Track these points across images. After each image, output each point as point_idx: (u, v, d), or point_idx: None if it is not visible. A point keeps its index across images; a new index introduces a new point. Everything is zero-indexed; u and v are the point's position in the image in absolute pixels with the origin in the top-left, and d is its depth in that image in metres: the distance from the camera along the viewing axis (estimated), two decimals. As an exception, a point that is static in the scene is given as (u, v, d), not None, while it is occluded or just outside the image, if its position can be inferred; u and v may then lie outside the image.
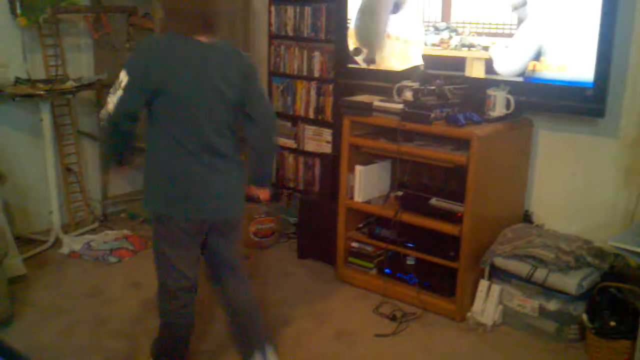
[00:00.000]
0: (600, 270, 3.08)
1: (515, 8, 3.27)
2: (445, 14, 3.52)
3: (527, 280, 3.10)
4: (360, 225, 3.73)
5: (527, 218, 3.56)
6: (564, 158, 3.44)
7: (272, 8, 4.44)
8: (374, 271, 3.65)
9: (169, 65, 2.32)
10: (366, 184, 3.61)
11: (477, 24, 3.42)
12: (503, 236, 3.26)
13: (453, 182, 3.57)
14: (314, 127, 4.39)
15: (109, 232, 4.23)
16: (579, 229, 3.36)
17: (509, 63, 3.35)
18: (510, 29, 3.31)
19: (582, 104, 3.15)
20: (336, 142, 4.13)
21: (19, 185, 4.10)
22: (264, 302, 3.35)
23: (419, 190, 3.59)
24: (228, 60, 2.42)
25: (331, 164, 3.92)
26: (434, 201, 3.45)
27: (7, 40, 3.93)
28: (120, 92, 2.32)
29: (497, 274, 3.22)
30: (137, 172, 4.80)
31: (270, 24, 4.47)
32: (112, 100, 2.34)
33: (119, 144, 2.49)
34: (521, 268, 3.11)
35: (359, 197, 3.60)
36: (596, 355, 2.89)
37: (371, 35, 3.78)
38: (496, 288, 3.20)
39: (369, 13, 3.76)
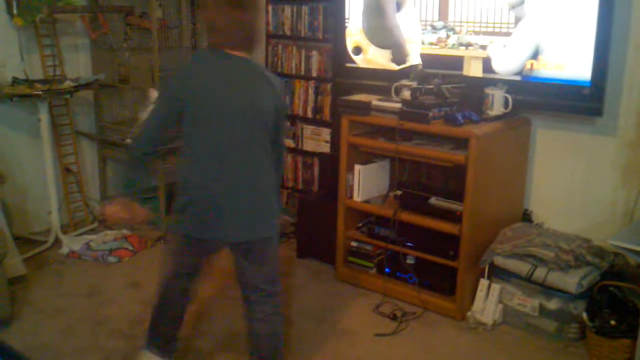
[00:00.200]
0: (600, 269, 3.09)
1: (513, 7, 3.27)
2: (443, 13, 3.51)
3: (527, 279, 3.10)
4: (360, 225, 3.73)
5: (526, 217, 3.57)
6: (562, 157, 3.45)
7: (269, 7, 4.43)
8: (374, 270, 3.66)
9: (195, 83, 2.32)
10: (365, 184, 3.61)
11: (475, 22, 3.41)
12: (502, 235, 3.26)
13: (452, 181, 3.58)
14: (312, 127, 4.39)
15: (108, 232, 4.21)
16: (578, 228, 3.36)
17: (506, 62, 3.35)
18: (508, 27, 3.31)
19: (579, 103, 3.15)
20: (335, 141, 4.13)
21: (17, 185, 4.10)
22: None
23: (418, 190, 3.58)
24: (260, 79, 2.37)
25: (330, 164, 3.92)
26: (433, 200, 3.45)
27: (4, 40, 3.92)
28: (149, 114, 2.36)
29: (497, 273, 3.22)
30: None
31: (267, 24, 4.47)
32: (141, 123, 2.37)
33: (139, 168, 2.46)
34: (521, 267, 3.12)
35: (358, 197, 3.60)
36: (596, 354, 2.90)
37: (387, 37, 3.72)
38: (496, 287, 3.21)
39: (376, 15, 3.72)
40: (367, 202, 3.62)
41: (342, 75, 4.00)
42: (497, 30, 3.35)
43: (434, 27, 3.55)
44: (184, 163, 2.41)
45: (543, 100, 3.27)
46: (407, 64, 3.63)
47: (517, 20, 3.27)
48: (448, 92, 3.32)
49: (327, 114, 4.28)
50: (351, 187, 3.61)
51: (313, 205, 3.98)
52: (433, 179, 3.72)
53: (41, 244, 4.06)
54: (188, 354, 2.93)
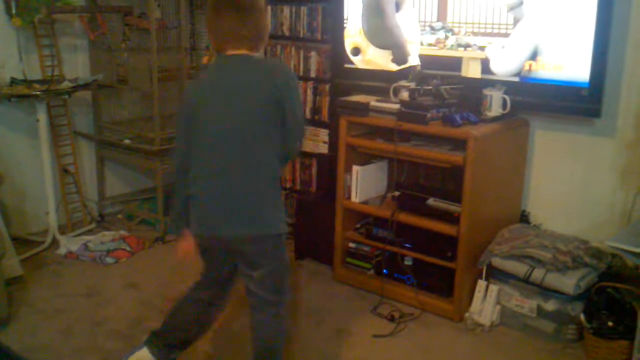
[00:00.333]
0: (597, 270, 3.09)
1: (511, 8, 3.27)
2: (441, 14, 3.52)
3: (525, 280, 3.10)
4: (358, 226, 3.73)
5: (524, 218, 3.57)
6: (561, 158, 3.45)
7: (268, 8, 4.43)
8: (372, 271, 3.65)
9: (200, 95, 2.37)
10: (363, 184, 3.60)
11: (473, 23, 3.42)
12: (500, 236, 3.26)
13: (450, 182, 3.58)
14: (310, 127, 4.38)
15: (106, 232, 4.22)
16: (576, 229, 3.36)
17: (505, 63, 3.35)
18: (507, 28, 3.31)
19: (578, 104, 3.15)
20: (333, 142, 4.13)
21: (15, 186, 4.09)
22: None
23: (416, 191, 3.59)
24: (258, 75, 2.35)
25: (328, 164, 3.92)
26: (431, 201, 3.45)
27: (3, 40, 3.92)
28: (177, 132, 2.45)
29: (495, 274, 3.22)
30: (135, 172, 4.81)
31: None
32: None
33: (182, 194, 2.43)
34: (519, 268, 3.12)
35: (356, 198, 3.60)
36: (594, 356, 2.90)
37: (387, 37, 3.72)
38: (494, 288, 3.21)
39: (376, 15, 3.72)
40: (365, 203, 3.62)
41: (340, 76, 4.00)
42: (495, 31, 3.35)
43: (432, 28, 3.55)
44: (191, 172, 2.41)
45: (541, 101, 3.27)
46: (407, 65, 3.63)
47: (516, 21, 3.27)
48: (446, 93, 3.32)
49: (325, 114, 4.28)
50: (349, 188, 3.61)
51: (311, 206, 3.98)
52: (431, 180, 3.72)
53: (39, 244, 4.05)
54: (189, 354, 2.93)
